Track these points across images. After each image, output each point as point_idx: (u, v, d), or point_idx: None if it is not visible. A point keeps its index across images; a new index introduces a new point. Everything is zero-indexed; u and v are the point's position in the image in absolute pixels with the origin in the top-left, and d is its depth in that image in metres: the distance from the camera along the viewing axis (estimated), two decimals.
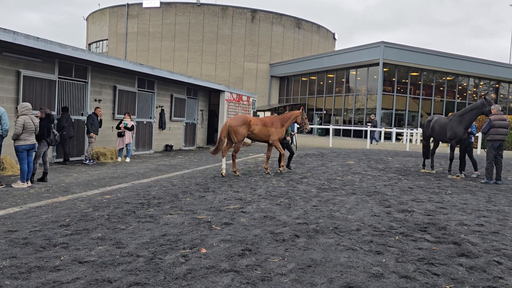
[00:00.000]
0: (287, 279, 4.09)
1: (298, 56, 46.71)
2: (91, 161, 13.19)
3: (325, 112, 39.70)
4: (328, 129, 28.70)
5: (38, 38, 10.81)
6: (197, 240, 5.23)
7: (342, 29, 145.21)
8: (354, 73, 37.48)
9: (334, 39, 57.26)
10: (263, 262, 4.54)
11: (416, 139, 30.61)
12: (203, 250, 4.83)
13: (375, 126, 28.30)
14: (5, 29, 9.90)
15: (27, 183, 8.74)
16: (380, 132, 30.98)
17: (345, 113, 38.27)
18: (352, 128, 31.56)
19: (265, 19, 46.49)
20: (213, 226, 5.96)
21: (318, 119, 40.79)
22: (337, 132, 36.14)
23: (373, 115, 31.43)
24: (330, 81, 40.60)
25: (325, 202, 7.97)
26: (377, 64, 33.26)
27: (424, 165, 13.62)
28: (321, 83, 41.33)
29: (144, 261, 4.43)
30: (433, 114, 30.49)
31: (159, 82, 18.19)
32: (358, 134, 34.98)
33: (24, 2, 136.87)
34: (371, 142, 26.40)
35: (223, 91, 22.03)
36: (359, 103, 36.84)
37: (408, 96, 35.85)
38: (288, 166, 12.54)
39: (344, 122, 38.07)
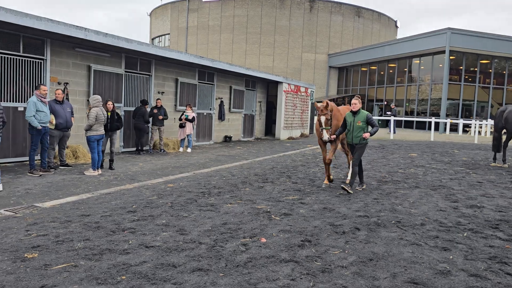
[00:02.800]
0: (348, 271, 4.03)
1: (358, 46, 45.45)
2: (162, 150, 13.91)
3: (385, 103, 38.40)
4: (389, 120, 27.78)
5: (106, 34, 11.39)
6: (257, 230, 5.29)
7: (402, 17, 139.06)
8: (418, 62, 35.82)
9: (396, 27, 55.00)
10: (323, 253, 4.51)
11: (486, 131, 28.75)
12: (263, 240, 4.88)
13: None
14: (78, 26, 10.53)
15: (98, 171, 9.29)
16: (445, 124, 29.46)
17: (407, 104, 36.77)
18: (415, 119, 30.23)
19: (323, 8, 45.64)
20: (273, 216, 6.00)
21: (378, 110, 39.57)
22: (398, 124, 34.85)
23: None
24: (391, 71, 39.15)
25: (387, 195, 7.74)
26: (443, 52, 31.52)
27: (495, 158, 12.76)
28: (382, 73, 39.96)
29: (206, 248, 4.56)
30: (506, 104, 28.45)
31: (218, 74, 18.52)
32: (421, 126, 33.49)
33: (91, 1, 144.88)
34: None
35: (281, 83, 22.00)
36: (422, 93, 35.21)
37: (477, 86, 33.69)
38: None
39: (406, 113, 36.61)
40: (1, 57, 9.76)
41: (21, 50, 10.19)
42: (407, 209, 6.62)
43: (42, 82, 10.54)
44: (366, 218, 6.00)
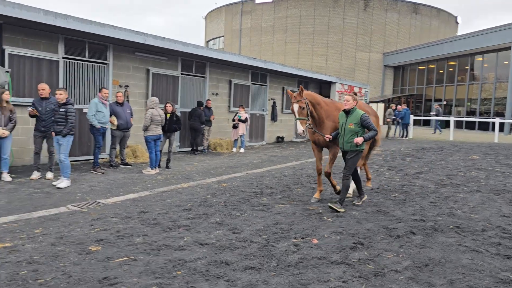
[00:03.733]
0: (402, 276, 3.94)
1: (415, 44, 43.82)
2: (207, 150, 14.21)
3: (445, 102, 36.68)
4: (448, 121, 26.58)
5: (164, 38, 11.85)
6: (309, 231, 5.29)
7: (461, 13, 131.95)
8: (480, 59, 33.91)
9: (457, 23, 52.41)
10: (376, 257, 4.43)
11: None
12: (315, 241, 4.88)
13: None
14: (137, 31, 11.05)
15: (155, 170, 9.69)
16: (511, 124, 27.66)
17: (468, 104, 34.92)
18: (477, 119, 28.64)
19: (378, 6, 44.45)
20: (324, 217, 5.97)
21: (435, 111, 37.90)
22: (458, 125, 33.18)
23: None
24: (451, 69, 37.34)
25: (445, 199, 7.43)
26: (508, 48, 29.64)
27: None
28: (441, 71, 38.23)
29: (258, 247, 4.64)
30: None
31: (271, 75, 18.63)
32: (484, 127, 31.67)
33: (147, 7, 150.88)
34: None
35: (334, 83, 21.72)
36: (485, 92, 33.28)
37: None
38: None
39: (467, 114, 34.77)
40: (70, 62, 10.46)
41: (87, 55, 10.85)
42: (467, 214, 6.32)
43: (104, 86, 11.16)
44: (422, 222, 5.81)
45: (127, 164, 10.45)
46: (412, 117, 24.70)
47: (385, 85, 45.32)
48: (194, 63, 14.42)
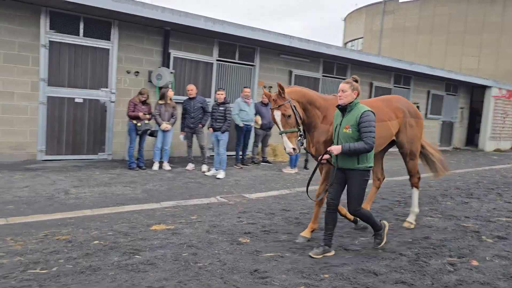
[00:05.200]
0: None
1: None
2: None
3: None
4: None
5: (308, 40, 12.01)
6: (465, 250, 4.79)
7: None
8: None
9: None
10: None
11: None
12: (474, 262, 4.39)
13: None
14: (284, 34, 11.39)
15: (294, 170, 9.87)
16: None
17: None
18: None
19: None
20: (483, 237, 5.34)
21: None
22: None
23: None
24: None
25: None
26: None
27: None
28: None
29: (408, 261, 4.35)
30: None
31: (415, 78, 17.49)
32: None
33: (287, 12, 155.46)
34: None
35: (490, 87, 19.44)
36: None
37: None
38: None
39: None
40: (222, 64, 11.31)
41: (237, 58, 11.59)
42: None
43: (249, 86, 11.78)
44: None
45: (267, 162, 10.85)
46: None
47: None
48: (335, 65, 14.31)
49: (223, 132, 8.64)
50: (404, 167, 6.01)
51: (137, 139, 8.80)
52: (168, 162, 9.12)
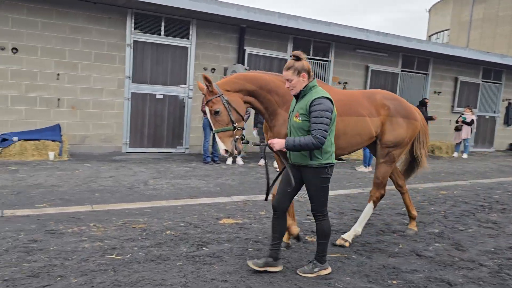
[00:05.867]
0: None
1: None
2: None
3: None
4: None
5: (386, 34, 11.53)
6: None
7: None
8: None
9: None
10: None
11: None
12: None
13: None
14: (360, 28, 11.06)
15: (368, 168, 9.57)
16: None
17: None
18: None
19: None
20: None
21: None
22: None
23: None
24: None
25: None
26: None
27: None
28: None
29: (489, 272, 4.02)
30: None
31: (507, 72, 16.01)
32: None
33: (368, 6, 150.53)
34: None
35: None
36: None
37: None
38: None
39: None
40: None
41: (311, 54, 11.48)
42: None
43: (324, 82, 11.62)
44: None
45: (340, 159, 10.63)
46: None
47: None
48: (416, 60, 13.57)
49: None
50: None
51: (211, 134, 9.09)
52: (241, 157, 9.31)
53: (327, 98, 3.43)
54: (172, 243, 4.28)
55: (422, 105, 12.58)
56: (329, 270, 3.77)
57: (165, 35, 9.76)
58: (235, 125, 3.83)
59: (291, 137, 3.49)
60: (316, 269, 3.69)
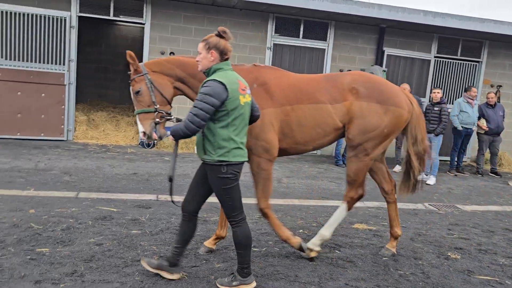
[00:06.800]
0: None
1: None
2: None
3: None
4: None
5: None
6: None
7: None
8: None
9: None
10: None
11: None
12: None
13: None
14: None
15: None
16: None
17: None
18: None
19: None
20: None
21: None
22: None
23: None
24: None
25: None
26: None
27: None
28: None
29: None
30: None
31: None
32: None
33: None
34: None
35: None
36: None
37: None
38: None
39: None
40: (440, 61, 10.46)
41: (459, 54, 10.52)
42: None
43: (472, 84, 10.54)
44: None
45: (496, 173, 9.43)
46: None
47: None
48: None
49: (436, 135, 8.01)
50: None
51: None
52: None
53: (220, 82, 2.95)
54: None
55: None
56: (252, 285, 3.22)
57: (303, 37, 9.92)
58: (156, 107, 3.57)
59: (175, 124, 3.10)
60: (235, 283, 3.18)
